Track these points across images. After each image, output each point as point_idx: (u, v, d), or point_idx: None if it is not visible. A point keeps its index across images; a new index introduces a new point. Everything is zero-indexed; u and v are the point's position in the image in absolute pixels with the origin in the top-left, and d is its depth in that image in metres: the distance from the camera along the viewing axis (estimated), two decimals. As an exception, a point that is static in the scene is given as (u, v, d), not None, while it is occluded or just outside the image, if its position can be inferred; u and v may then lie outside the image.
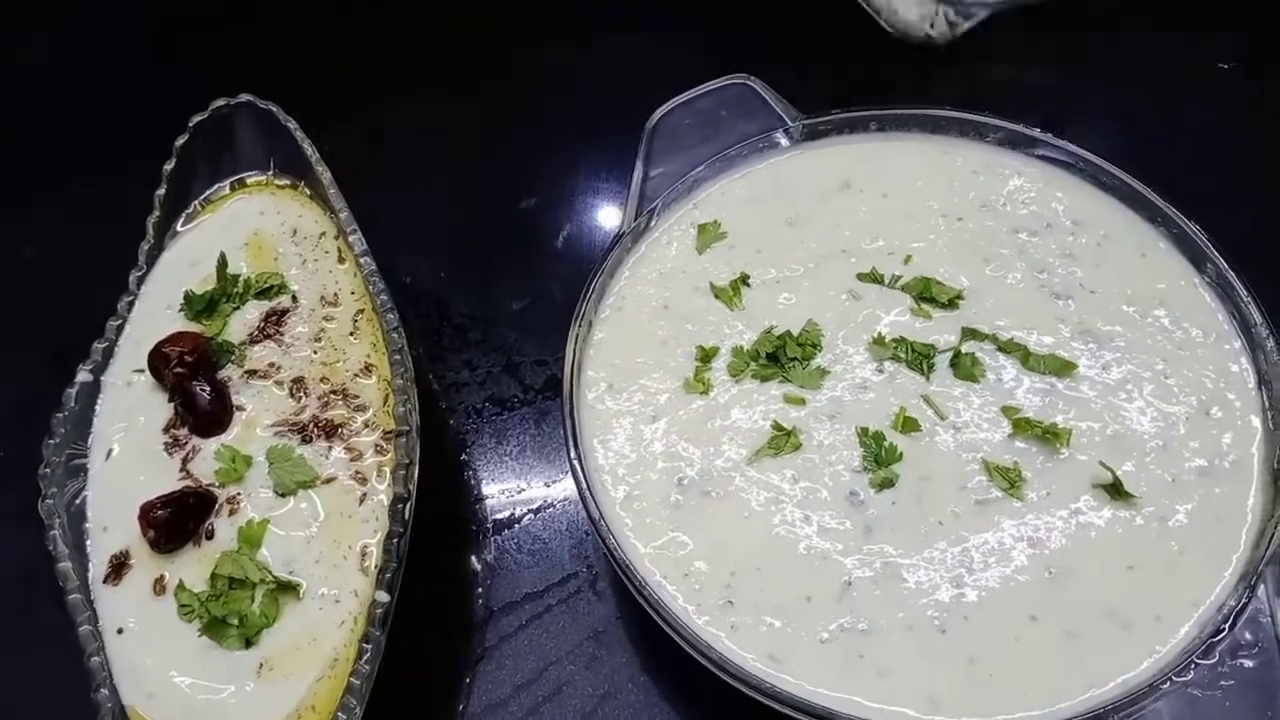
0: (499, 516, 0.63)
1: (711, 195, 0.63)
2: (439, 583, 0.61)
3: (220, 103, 0.64)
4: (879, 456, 0.53)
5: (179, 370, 0.56)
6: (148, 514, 0.52)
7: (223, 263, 0.60)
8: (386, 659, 0.50)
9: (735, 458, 0.54)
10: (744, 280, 0.59)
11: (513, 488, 0.63)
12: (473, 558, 0.62)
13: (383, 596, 0.50)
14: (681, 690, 0.57)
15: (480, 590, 0.61)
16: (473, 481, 0.64)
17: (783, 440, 0.54)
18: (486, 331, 0.68)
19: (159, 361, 0.57)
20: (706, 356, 0.57)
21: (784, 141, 0.64)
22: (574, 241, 0.62)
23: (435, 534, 0.56)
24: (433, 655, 0.58)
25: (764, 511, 0.52)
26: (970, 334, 0.57)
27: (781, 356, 0.56)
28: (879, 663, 0.48)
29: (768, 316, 0.58)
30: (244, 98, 0.64)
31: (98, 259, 0.62)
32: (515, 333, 0.68)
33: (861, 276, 0.59)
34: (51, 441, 0.55)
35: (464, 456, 0.65)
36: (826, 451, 0.54)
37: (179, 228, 0.64)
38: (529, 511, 0.63)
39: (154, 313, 0.61)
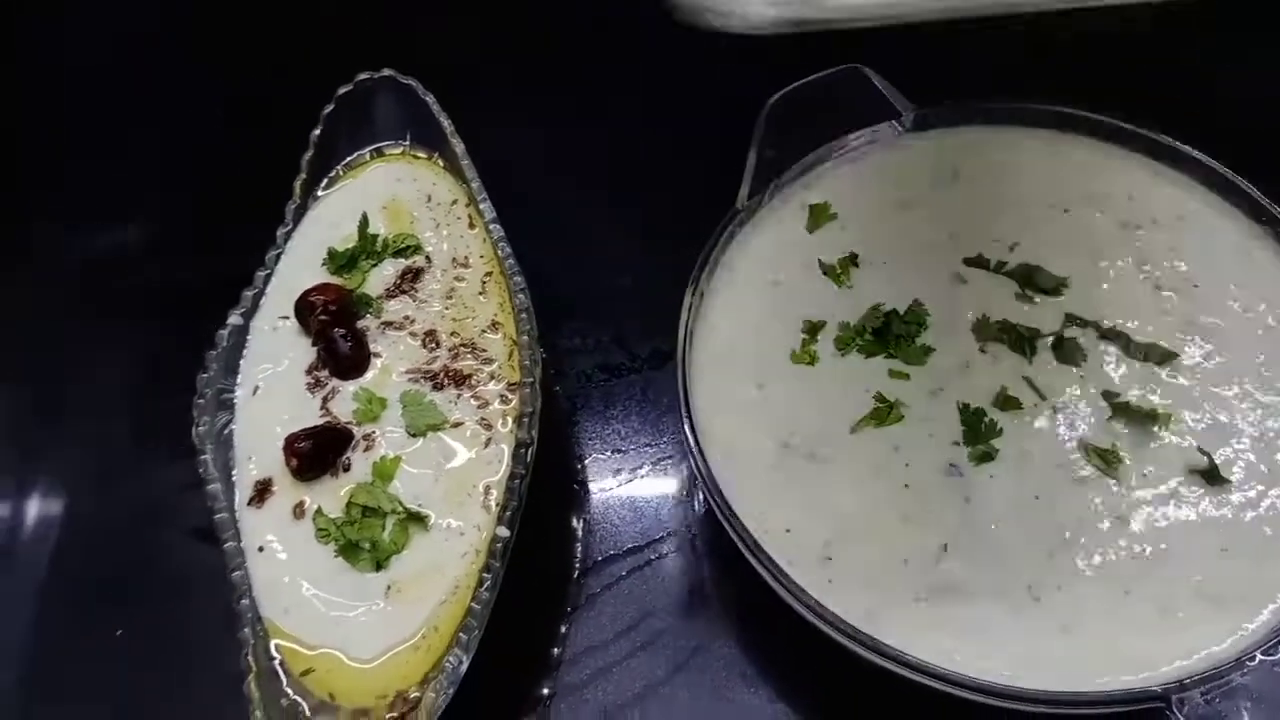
0: (603, 475, 0.66)
1: (823, 178, 0.65)
2: (545, 533, 0.64)
3: (364, 76, 0.69)
4: (979, 432, 0.55)
5: (323, 317, 0.61)
6: (292, 444, 0.57)
7: (364, 222, 0.65)
8: (499, 593, 0.54)
9: (838, 426, 0.57)
10: (853, 260, 0.62)
11: (617, 450, 0.67)
12: (576, 513, 0.65)
13: (503, 531, 0.54)
14: (773, 646, 0.60)
15: (583, 543, 0.64)
16: (579, 442, 0.67)
17: (885, 412, 0.56)
18: (597, 303, 0.72)
19: (305, 309, 0.62)
20: (814, 330, 0.60)
21: (896, 129, 0.66)
22: (683, 222, 0.65)
23: (543, 489, 0.60)
24: (538, 597, 0.62)
25: (865, 477, 0.55)
26: (1073, 320, 0.58)
27: (887, 333, 0.59)
28: (973, 625, 0.50)
29: (875, 295, 0.60)
30: (386, 72, 0.69)
31: (249, 216, 0.67)
32: (625, 306, 0.71)
33: (968, 261, 0.61)
34: (205, 375, 0.60)
35: (573, 418, 0.68)
36: (928, 425, 0.56)
37: (322, 190, 0.69)
38: (632, 472, 0.66)
39: (299, 266, 0.65)
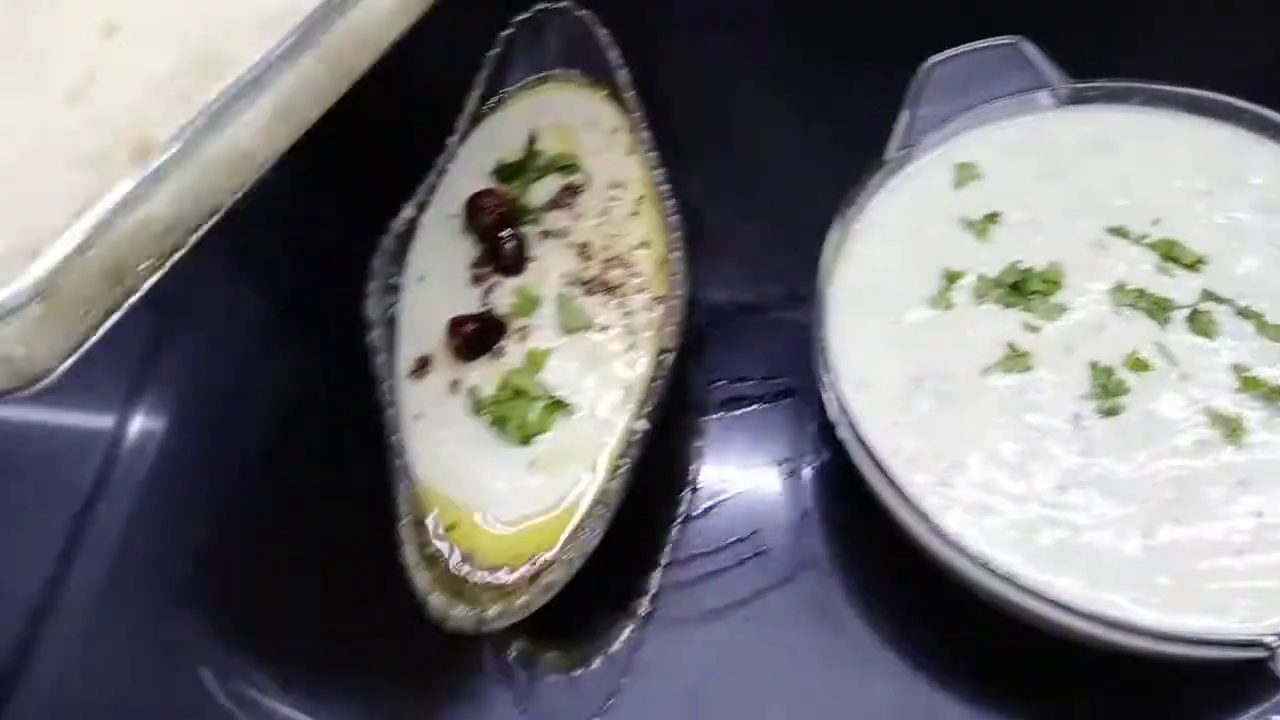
0: (728, 398, 0.70)
1: (973, 140, 0.67)
2: (665, 446, 0.68)
3: (541, 5, 0.74)
4: (1106, 387, 0.57)
5: (491, 219, 0.66)
6: (457, 326, 0.62)
7: (533, 139, 0.70)
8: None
9: (969, 368, 0.59)
10: (994, 218, 0.64)
11: (743, 374, 0.70)
12: (697, 430, 0.69)
13: (641, 424, 0.58)
14: (879, 571, 0.63)
15: (701, 458, 0.68)
16: (708, 364, 0.71)
17: (1016, 360, 0.59)
18: (734, 237, 0.75)
19: (475, 210, 0.66)
20: (952, 278, 0.62)
21: (1048, 101, 0.68)
22: (829, 169, 0.68)
23: (669, 404, 0.63)
24: (653, 502, 0.66)
25: (991, 417, 0.57)
26: (1209, 296, 0.60)
27: (1024, 288, 0.61)
28: (1085, 562, 0.52)
29: (1014, 253, 0.63)
30: (563, 3, 0.73)
31: (424, 124, 0.72)
32: (768, 242, 0.75)
33: (1108, 230, 0.63)
34: (378, 258, 0.65)
35: (705, 341, 0.71)
36: (1056, 376, 0.58)
37: (492, 107, 0.74)
38: (756, 397, 0.70)
39: (467, 172, 0.70)
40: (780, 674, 0.62)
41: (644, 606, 0.64)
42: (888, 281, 0.63)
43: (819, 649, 0.62)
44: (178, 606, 0.67)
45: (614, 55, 0.72)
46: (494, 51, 0.74)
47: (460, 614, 0.51)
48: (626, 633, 0.63)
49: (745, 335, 0.72)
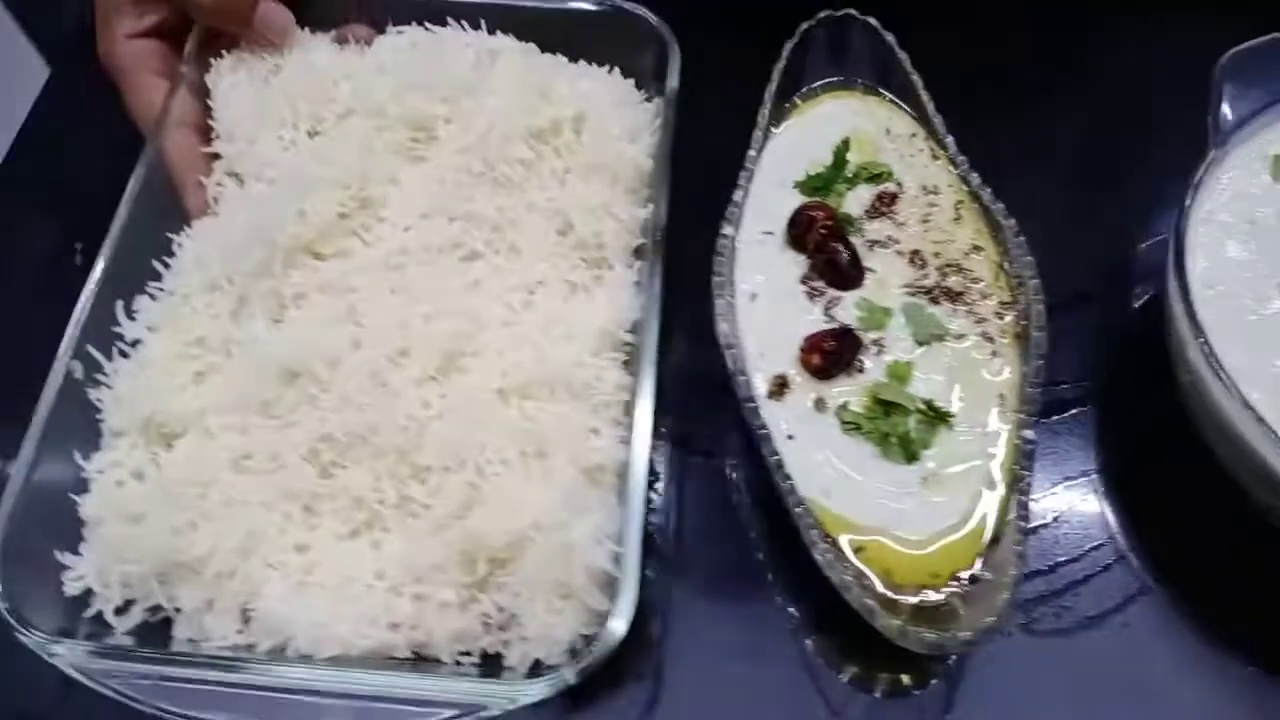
0: (1048, 399, 0.68)
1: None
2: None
3: (825, 14, 0.73)
4: None
5: (823, 230, 0.65)
6: (818, 344, 0.61)
7: (844, 147, 0.69)
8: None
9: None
10: (1325, 207, 0.65)
11: (1059, 379, 0.70)
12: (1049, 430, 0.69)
13: (1030, 435, 0.58)
14: (1243, 574, 0.63)
15: (1056, 457, 0.69)
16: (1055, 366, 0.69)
17: (1390, 346, 0.59)
18: (1048, 237, 0.73)
19: (803, 223, 0.65)
20: (1297, 268, 0.63)
21: (1349, 91, 0.69)
22: (1141, 164, 0.68)
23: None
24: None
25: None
26: None
27: (1357, 277, 0.62)
28: None
29: (1354, 241, 0.64)
30: (848, 11, 0.72)
31: (720, 143, 0.71)
32: (1078, 243, 0.74)
33: None
34: (718, 278, 0.64)
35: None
36: None
37: (782, 120, 0.73)
38: (1075, 399, 0.70)
39: (769, 186, 0.69)
40: (1136, 692, 0.61)
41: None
42: (1237, 274, 0.63)
43: (1177, 666, 0.62)
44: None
45: (904, 60, 0.72)
46: (780, 64, 0.73)
47: (930, 637, 0.50)
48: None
49: (1059, 337, 0.72)
